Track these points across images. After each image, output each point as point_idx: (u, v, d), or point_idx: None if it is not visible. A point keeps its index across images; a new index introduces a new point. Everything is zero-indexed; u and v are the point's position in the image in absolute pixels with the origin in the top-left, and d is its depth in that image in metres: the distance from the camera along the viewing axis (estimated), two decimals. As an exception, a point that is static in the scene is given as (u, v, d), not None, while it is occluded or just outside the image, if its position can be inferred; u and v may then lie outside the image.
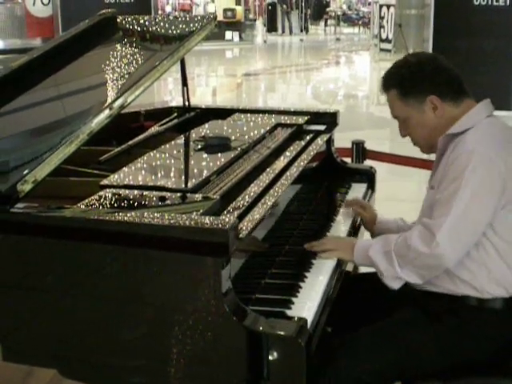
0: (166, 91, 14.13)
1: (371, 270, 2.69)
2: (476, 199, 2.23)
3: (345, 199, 3.26)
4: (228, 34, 25.53)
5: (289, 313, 2.12)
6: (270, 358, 1.95)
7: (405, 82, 2.45)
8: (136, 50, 3.21)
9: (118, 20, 3.40)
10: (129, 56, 3.12)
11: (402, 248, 2.31)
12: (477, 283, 2.30)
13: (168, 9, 27.75)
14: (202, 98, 13.32)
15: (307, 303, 2.21)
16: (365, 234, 3.13)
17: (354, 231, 2.96)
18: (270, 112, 3.64)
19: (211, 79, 17.47)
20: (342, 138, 3.68)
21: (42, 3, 14.20)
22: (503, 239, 2.30)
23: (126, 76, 2.90)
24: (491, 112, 2.45)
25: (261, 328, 1.95)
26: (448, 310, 2.34)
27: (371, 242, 2.49)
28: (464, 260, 2.29)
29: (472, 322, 2.31)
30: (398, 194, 5.99)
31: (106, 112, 2.48)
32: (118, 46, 3.23)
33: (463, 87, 2.47)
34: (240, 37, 26.06)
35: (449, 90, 2.43)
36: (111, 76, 2.93)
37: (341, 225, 2.94)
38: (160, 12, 23.14)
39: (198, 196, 2.26)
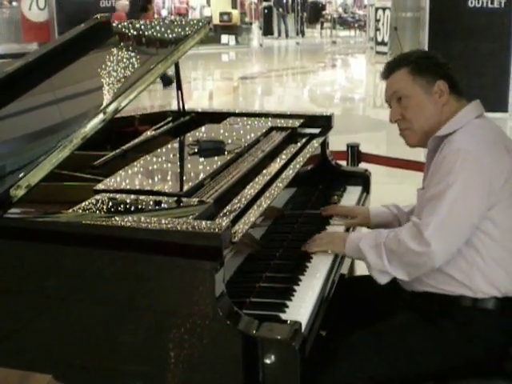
0: (160, 95, 14.12)
1: (366, 273, 2.69)
2: (462, 198, 2.24)
3: (339, 203, 3.26)
4: (224, 38, 25.56)
5: (283, 316, 2.12)
6: (264, 361, 1.94)
7: (420, 60, 2.48)
8: (131, 54, 3.21)
9: (114, 24, 3.40)
10: (123, 60, 3.12)
11: (393, 242, 2.32)
12: (470, 283, 2.31)
13: (164, 12, 27.77)
14: (198, 101, 13.33)
15: (302, 307, 2.21)
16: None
17: (350, 231, 2.95)
18: (265, 115, 3.64)
19: (207, 83, 17.48)
20: (338, 141, 3.68)
21: (38, 8, 14.23)
22: (495, 240, 2.30)
23: (121, 80, 2.89)
24: (481, 113, 2.46)
25: (255, 332, 1.95)
26: (443, 312, 2.34)
27: (362, 235, 2.52)
28: (457, 260, 2.30)
29: (467, 324, 2.31)
30: (392, 196, 5.97)
31: (100, 116, 2.48)
32: (113, 50, 3.22)
33: (462, 88, 2.51)
34: (236, 40, 26.10)
35: (455, 83, 2.47)
36: (106, 80, 2.93)
37: (335, 228, 2.93)
38: (156, 16, 23.16)
39: (192, 200, 2.26)
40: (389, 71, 2.53)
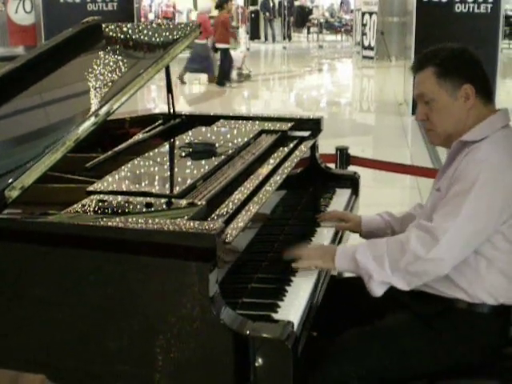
0: (149, 98, 14.13)
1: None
2: (483, 210, 2.23)
3: (329, 205, 3.29)
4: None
5: (275, 316, 2.14)
6: (257, 361, 1.97)
7: (446, 62, 2.40)
8: (121, 58, 3.22)
9: (103, 28, 3.41)
10: (114, 63, 3.13)
11: (397, 251, 2.28)
12: (469, 289, 2.31)
13: (151, 16, 27.77)
14: (185, 105, 13.32)
15: (293, 307, 2.23)
16: (350, 238, 3.15)
17: (339, 235, 2.97)
18: (255, 119, 3.66)
19: (194, 86, 17.46)
20: (325, 145, 3.71)
21: (25, 11, 14.17)
22: (502, 252, 2.31)
23: (112, 83, 2.91)
24: (507, 122, 2.43)
25: (248, 332, 1.97)
26: (438, 313, 2.35)
27: (355, 246, 2.42)
28: (461, 266, 2.29)
29: (462, 326, 2.33)
30: (381, 199, 6.03)
31: (92, 119, 2.50)
32: (103, 54, 3.24)
33: (492, 91, 2.47)
34: (223, 44, 26.06)
35: (484, 86, 2.42)
36: (97, 83, 2.95)
37: (325, 230, 2.95)
38: (143, 19, 23.15)
39: (185, 202, 2.28)
40: (417, 67, 2.47)
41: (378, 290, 2.33)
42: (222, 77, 15.51)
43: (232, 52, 16.31)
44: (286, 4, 29.84)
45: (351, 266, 2.39)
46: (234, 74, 16.36)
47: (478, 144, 2.33)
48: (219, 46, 15.40)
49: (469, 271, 2.31)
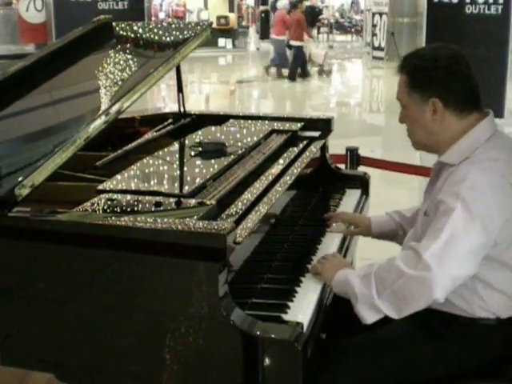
0: (160, 97, 14.14)
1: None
2: (465, 231, 2.13)
3: (339, 206, 3.28)
4: (221, 41, 25.59)
5: (285, 317, 2.13)
6: (267, 362, 1.96)
7: (416, 73, 2.31)
8: (132, 57, 3.22)
9: (113, 26, 3.41)
10: (125, 62, 3.14)
11: (384, 270, 2.21)
12: (469, 309, 2.28)
13: (161, 15, 27.80)
14: (195, 105, 13.33)
15: (303, 308, 2.22)
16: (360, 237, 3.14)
17: (347, 242, 2.94)
18: (265, 118, 3.65)
19: (204, 86, 17.48)
20: (334, 145, 3.70)
21: (36, 9, 14.22)
22: (498, 271, 2.26)
23: (122, 82, 2.91)
24: (492, 131, 2.32)
25: (258, 332, 1.96)
26: (440, 323, 2.33)
27: (351, 270, 2.37)
28: (458, 288, 2.22)
29: (466, 336, 2.30)
30: (391, 200, 6.01)
31: (103, 118, 2.50)
32: (114, 53, 3.24)
33: (475, 100, 2.32)
34: (233, 44, 26.13)
35: (456, 100, 2.28)
36: (107, 82, 2.95)
37: (334, 234, 2.91)
38: (153, 19, 23.18)
39: (195, 201, 2.28)
40: (397, 69, 2.40)
41: (367, 316, 2.22)
42: (294, 72, 16.42)
43: (314, 49, 17.58)
44: (296, 4, 29.81)
45: (343, 288, 2.32)
46: (313, 70, 17.48)
47: (458, 167, 2.25)
48: (293, 43, 16.22)
49: (466, 293, 2.27)
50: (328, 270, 2.41)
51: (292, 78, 16.49)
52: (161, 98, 14.21)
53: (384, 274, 2.20)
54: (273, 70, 17.18)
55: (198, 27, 3.36)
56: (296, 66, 16.53)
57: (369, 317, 2.22)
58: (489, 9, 10.05)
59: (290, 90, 15.95)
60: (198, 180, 2.47)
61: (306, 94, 15.76)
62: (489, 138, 2.29)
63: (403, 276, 2.14)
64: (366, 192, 3.58)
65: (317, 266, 2.47)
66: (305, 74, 16.77)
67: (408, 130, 2.43)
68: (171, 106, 3.71)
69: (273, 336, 1.96)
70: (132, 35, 3.39)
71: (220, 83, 18.13)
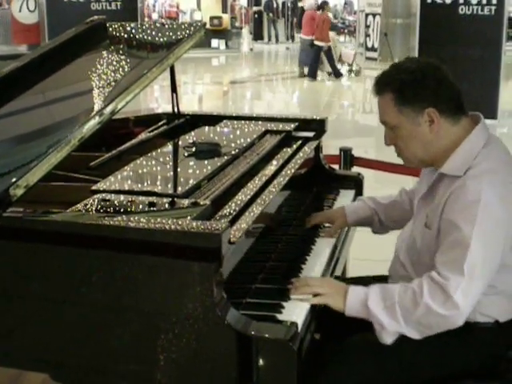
0: (151, 98, 14.13)
1: (360, 275, 2.71)
2: (487, 254, 2.14)
3: (333, 206, 3.29)
4: (214, 42, 25.58)
5: (279, 317, 2.13)
6: (262, 362, 1.96)
7: (405, 88, 2.26)
8: (125, 57, 3.22)
9: (110, 27, 3.41)
10: (118, 63, 3.13)
11: (409, 302, 2.17)
12: (470, 314, 2.24)
13: (155, 16, 27.77)
14: (188, 105, 13.32)
15: (297, 307, 2.22)
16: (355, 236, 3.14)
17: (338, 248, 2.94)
18: (259, 119, 3.65)
19: (197, 87, 17.48)
20: (327, 146, 3.70)
21: (29, 10, 14.17)
22: (499, 273, 2.24)
23: (116, 83, 2.91)
24: (487, 136, 2.32)
25: (252, 332, 1.97)
26: None
27: (367, 291, 2.26)
28: None
29: (465, 338, 2.29)
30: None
31: (97, 118, 2.50)
32: (108, 53, 3.23)
33: (462, 104, 2.33)
34: (226, 45, 26.14)
35: (449, 105, 2.28)
36: (101, 82, 2.95)
37: (325, 240, 2.89)
38: (146, 19, 23.16)
39: (189, 201, 2.28)
40: (376, 91, 2.35)
41: (388, 339, 2.23)
42: (314, 71, 17.04)
43: (343, 49, 18.32)
44: (289, 5, 29.87)
45: (363, 313, 2.25)
46: (343, 70, 17.97)
47: (462, 181, 2.22)
48: (317, 43, 16.81)
49: None
50: (330, 293, 2.32)
51: (312, 75, 17.03)
52: (154, 98, 14.19)
53: (410, 306, 2.17)
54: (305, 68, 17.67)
55: (192, 28, 3.35)
56: (316, 64, 17.08)
57: (389, 340, 2.23)
58: (482, 9, 10.07)
59: (306, 88, 16.39)
60: (192, 180, 2.47)
61: (318, 93, 15.92)
62: (485, 145, 2.29)
63: (432, 313, 2.14)
64: (359, 193, 3.58)
65: (313, 287, 2.33)
66: (336, 74, 17.34)
67: (400, 150, 2.38)
68: (164, 107, 3.71)
69: (267, 336, 1.97)
70: (125, 36, 3.39)
71: (213, 84, 18.13)
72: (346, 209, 2.94)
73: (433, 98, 2.26)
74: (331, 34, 17.63)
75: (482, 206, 2.13)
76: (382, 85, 2.34)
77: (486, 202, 2.14)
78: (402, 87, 2.27)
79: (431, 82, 2.27)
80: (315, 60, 17.01)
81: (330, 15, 30.54)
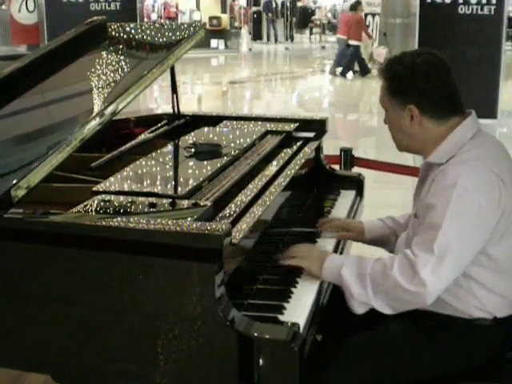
0: (151, 99, 14.13)
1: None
2: (459, 237, 2.17)
3: (334, 207, 3.29)
4: (213, 42, 25.57)
5: (281, 318, 2.14)
6: (263, 362, 1.96)
7: (394, 80, 2.36)
8: (126, 58, 3.22)
9: (109, 28, 3.41)
10: (119, 63, 3.14)
11: (380, 275, 2.24)
12: (465, 309, 2.30)
13: (154, 16, 27.77)
14: (187, 106, 13.32)
15: (299, 309, 2.22)
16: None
17: (341, 244, 2.94)
18: (260, 119, 3.65)
19: (197, 87, 17.48)
20: (327, 146, 3.70)
21: (28, 10, 14.16)
22: (491, 270, 2.28)
23: (117, 83, 2.91)
24: (476, 129, 2.36)
25: (254, 333, 1.97)
26: (438, 324, 2.34)
27: (343, 261, 2.37)
28: (453, 288, 2.26)
29: (463, 338, 2.31)
30: (384, 200, 6.03)
31: (98, 119, 2.50)
32: (108, 54, 3.24)
33: (454, 105, 2.36)
34: (225, 45, 26.12)
35: (433, 107, 2.33)
36: (103, 83, 2.95)
37: (327, 240, 2.89)
38: (146, 19, 23.14)
39: (191, 202, 2.27)
40: (379, 73, 2.47)
41: (358, 309, 2.30)
42: (348, 69, 17.45)
43: (375, 49, 18.37)
44: (288, 5, 29.86)
45: (336, 280, 2.35)
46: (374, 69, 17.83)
47: (444, 166, 2.28)
48: (352, 42, 17.24)
49: (461, 293, 2.29)
50: (310, 259, 2.44)
51: (343, 75, 17.48)
52: (153, 99, 14.19)
53: (379, 279, 2.24)
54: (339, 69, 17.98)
55: (191, 28, 3.36)
56: (351, 64, 17.48)
57: (359, 309, 2.30)
58: (482, 9, 10.06)
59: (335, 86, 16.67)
60: (193, 181, 2.47)
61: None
62: (472, 137, 2.33)
63: (398, 287, 2.19)
64: (360, 193, 3.58)
65: (295, 253, 2.49)
66: (364, 72, 17.58)
67: (391, 133, 2.48)
68: (163, 107, 3.71)
69: (269, 337, 1.97)
70: (125, 36, 3.39)
71: (212, 84, 18.13)
72: (365, 224, 2.90)
73: (417, 97, 2.32)
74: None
75: (458, 189, 2.17)
76: (382, 70, 2.45)
77: (462, 186, 2.18)
78: (392, 79, 2.37)
79: (419, 82, 2.31)
80: (351, 59, 17.40)
81: (329, 15, 30.69)
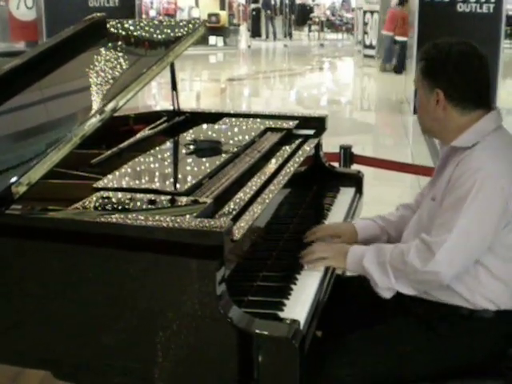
0: (149, 95, 14.12)
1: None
2: (479, 221, 2.23)
3: (333, 204, 3.29)
4: (212, 39, 25.54)
5: (281, 315, 2.14)
6: (264, 359, 1.97)
7: (428, 62, 2.41)
8: (126, 55, 3.22)
9: (108, 24, 3.41)
10: (119, 60, 3.13)
11: (398, 262, 2.32)
12: (470, 297, 2.32)
13: (152, 13, 27.75)
14: (186, 102, 13.30)
15: (299, 305, 2.23)
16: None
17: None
18: (259, 116, 3.65)
19: (195, 84, 17.49)
20: (325, 143, 3.70)
21: (26, 7, 14.15)
22: (500, 257, 2.31)
23: (117, 80, 2.91)
24: (499, 123, 2.41)
25: (255, 330, 1.97)
26: (439, 317, 2.36)
27: (364, 251, 2.46)
28: (461, 275, 2.29)
29: (463, 330, 2.33)
30: (383, 198, 6.03)
31: (98, 116, 2.50)
32: (108, 51, 3.23)
33: (480, 98, 2.40)
34: (224, 42, 26.11)
35: (459, 97, 2.37)
36: (102, 80, 2.95)
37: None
38: (144, 16, 23.13)
39: (191, 199, 2.28)
40: (419, 54, 2.51)
41: (385, 294, 2.38)
42: (401, 66, 17.10)
43: None
44: (287, 2, 29.87)
45: (360, 270, 2.46)
46: None
47: (469, 151, 2.32)
48: (399, 38, 17.23)
49: (469, 279, 2.31)
50: (333, 254, 2.53)
51: (398, 71, 17.32)
52: (152, 95, 14.18)
53: (399, 265, 2.33)
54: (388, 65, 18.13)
55: (190, 25, 3.36)
56: (402, 59, 17.27)
57: (387, 295, 2.38)
58: (481, 7, 10.09)
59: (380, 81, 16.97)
60: (193, 178, 2.47)
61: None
62: (495, 129, 2.38)
63: (417, 272, 2.27)
64: (359, 190, 3.59)
65: (317, 253, 2.55)
66: (398, 69, 17.44)
67: (418, 112, 2.54)
68: (162, 104, 3.71)
69: (270, 333, 1.97)
70: (124, 33, 3.39)
71: (211, 81, 18.12)
72: (356, 225, 2.87)
73: (445, 84, 2.37)
74: None
75: (483, 173, 2.23)
76: (423, 50, 2.48)
77: (487, 170, 2.24)
78: (427, 61, 2.43)
79: (449, 70, 2.36)
80: (401, 55, 17.22)
81: (328, 12, 30.68)
